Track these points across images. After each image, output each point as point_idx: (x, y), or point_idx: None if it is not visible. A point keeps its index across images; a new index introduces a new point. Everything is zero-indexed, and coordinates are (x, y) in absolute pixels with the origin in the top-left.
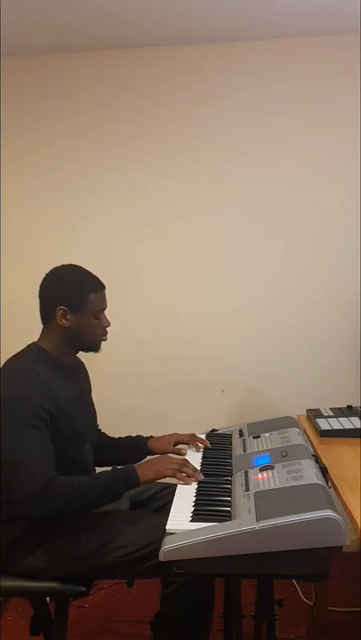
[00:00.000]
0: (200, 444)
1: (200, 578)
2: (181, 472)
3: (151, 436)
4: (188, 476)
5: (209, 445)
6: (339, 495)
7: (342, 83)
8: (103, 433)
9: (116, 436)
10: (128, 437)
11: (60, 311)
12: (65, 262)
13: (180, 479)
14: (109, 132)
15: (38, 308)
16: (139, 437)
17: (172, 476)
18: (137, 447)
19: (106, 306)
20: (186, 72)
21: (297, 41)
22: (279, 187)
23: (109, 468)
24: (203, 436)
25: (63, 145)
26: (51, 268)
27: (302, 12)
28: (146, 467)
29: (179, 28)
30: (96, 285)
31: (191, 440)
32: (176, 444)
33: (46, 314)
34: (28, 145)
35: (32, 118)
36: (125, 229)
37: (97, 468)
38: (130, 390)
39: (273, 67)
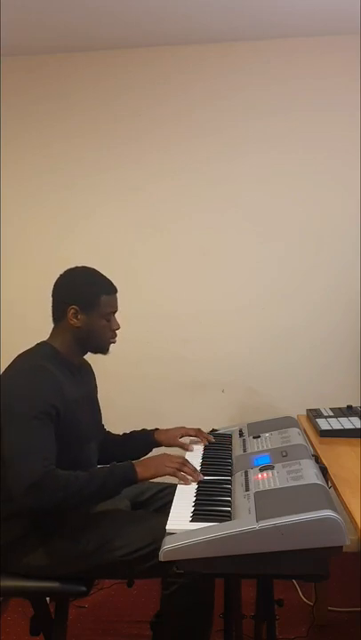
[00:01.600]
0: (206, 440)
1: (200, 578)
2: (181, 471)
3: (157, 429)
4: (191, 476)
5: (213, 440)
6: (339, 495)
7: (342, 83)
8: (108, 431)
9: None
10: (133, 432)
11: (72, 310)
12: (65, 262)
13: (179, 478)
14: (109, 132)
15: (37, 308)
16: (144, 431)
17: (172, 475)
18: (144, 440)
19: (117, 309)
20: (186, 72)
21: (297, 41)
22: (279, 187)
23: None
24: (188, 439)
25: (63, 145)
26: (60, 269)
27: (302, 12)
28: (145, 464)
29: (179, 28)
30: (109, 288)
31: (198, 434)
32: (182, 437)
33: (58, 312)
34: (28, 145)
35: (32, 118)
36: (125, 229)
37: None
38: (130, 390)
39: (273, 67)
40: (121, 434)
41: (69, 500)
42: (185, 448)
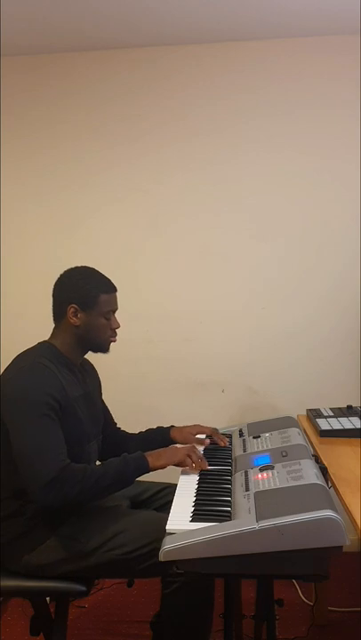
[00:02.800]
0: (221, 441)
1: (200, 578)
2: (190, 458)
3: (173, 426)
4: (195, 463)
5: (227, 443)
6: (339, 495)
7: (342, 83)
8: (123, 431)
9: None
10: (149, 430)
11: (72, 309)
12: (65, 262)
13: (188, 465)
14: (109, 132)
15: (37, 308)
16: (160, 428)
17: (182, 462)
18: (161, 438)
19: (116, 308)
20: (186, 72)
21: (297, 41)
22: (279, 187)
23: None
24: (202, 437)
25: (63, 145)
26: (61, 269)
27: (302, 12)
28: (155, 454)
29: (179, 28)
30: (108, 287)
31: (213, 434)
32: (197, 435)
33: (58, 312)
34: (28, 145)
35: (32, 118)
36: (125, 229)
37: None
38: (130, 390)
39: (273, 67)
40: (137, 432)
41: (86, 492)
42: (201, 444)
